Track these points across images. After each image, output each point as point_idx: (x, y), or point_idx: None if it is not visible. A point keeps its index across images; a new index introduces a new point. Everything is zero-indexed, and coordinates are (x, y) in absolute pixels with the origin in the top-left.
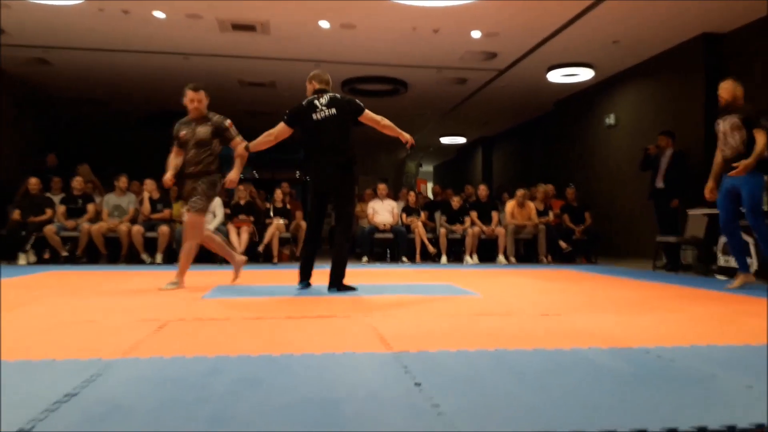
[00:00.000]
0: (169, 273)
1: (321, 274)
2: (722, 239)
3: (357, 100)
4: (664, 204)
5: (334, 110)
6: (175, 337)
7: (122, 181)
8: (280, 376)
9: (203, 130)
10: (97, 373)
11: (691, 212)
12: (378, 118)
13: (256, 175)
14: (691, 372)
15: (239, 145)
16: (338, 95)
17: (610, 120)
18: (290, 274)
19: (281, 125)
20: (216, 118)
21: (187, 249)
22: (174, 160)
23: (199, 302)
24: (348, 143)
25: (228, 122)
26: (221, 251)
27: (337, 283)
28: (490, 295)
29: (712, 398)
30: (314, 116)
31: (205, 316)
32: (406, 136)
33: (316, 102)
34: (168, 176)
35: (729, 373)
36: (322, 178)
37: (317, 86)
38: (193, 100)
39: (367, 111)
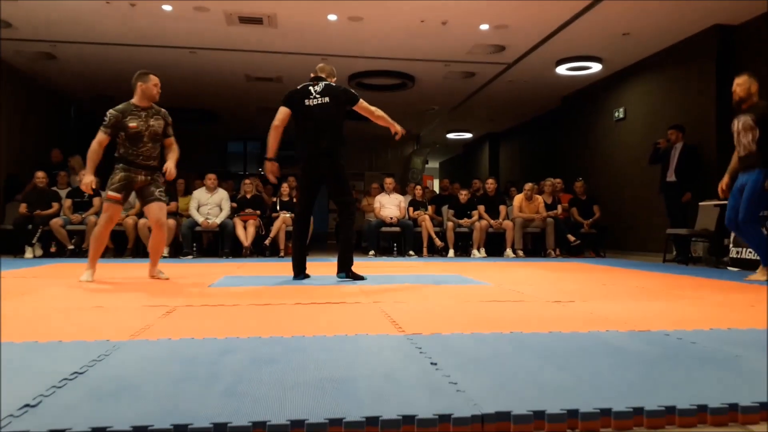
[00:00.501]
0: (175, 266)
1: (323, 266)
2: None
3: (352, 90)
4: (675, 197)
5: (327, 98)
6: (184, 321)
7: None
8: (293, 356)
9: (157, 124)
10: (104, 353)
11: (703, 204)
12: (372, 108)
13: (262, 172)
14: (714, 353)
15: (173, 143)
16: (333, 84)
17: (619, 114)
18: None
19: (280, 109)
20: (163, 111)
21: (164, 238)
22: (98, 154)
23: (206, 290)
24: (340, 132)
25: (170, 118)
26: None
27: (345, 269)
28: (500, 284)
29: (740, 377)
30: (307, 102)
31: (213, 302)
32: (396, 127)
33: (311, 88)
34: (91, 181)
35: (754, 354)
36: (312, 165)
37: (313, 75)
38: (158, 84)
39: (361, 101)
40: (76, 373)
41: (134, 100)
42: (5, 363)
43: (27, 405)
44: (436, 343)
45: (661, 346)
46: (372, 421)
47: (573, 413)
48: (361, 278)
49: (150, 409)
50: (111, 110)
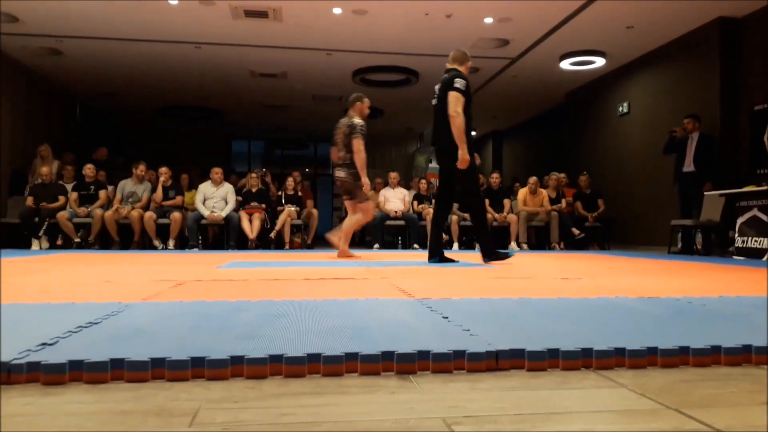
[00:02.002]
0: (181, 255)
1: (330, 256)
2: (739, 221)
3: (455, 79)
4: (692, 187)
5: (440, 93)
6: (194, 291)
7: (140, 169)
8: (305, 312)
9: None
10: (118, 310)
11: (708, 194)
12: (453, 106)
13: (264, 170)
14: (724, 311)
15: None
16: (448, 75)
17: (623, 108)
18: (302, 256)
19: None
20: None
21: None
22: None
23: (215, 271)
24: (449, 126)
25: None
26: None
27: (434, 254)
28: (507, 267)
29: (752, 327)
30: (433, 101)
31: (222, 278)
32: (464, 153)
33: (436, 87)
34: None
35: (764, 312)
36: (438, 160)
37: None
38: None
39: (452, 93)
40: (91, 323)
41: (358, 115)
42: (17, 319)
43: (44, 344)
44: (446, 305)
45: (671, 307)
46: (388, 355)
47: (587, 351)
48: (452, 261)
49: (167, 347)
50: (361, 122)
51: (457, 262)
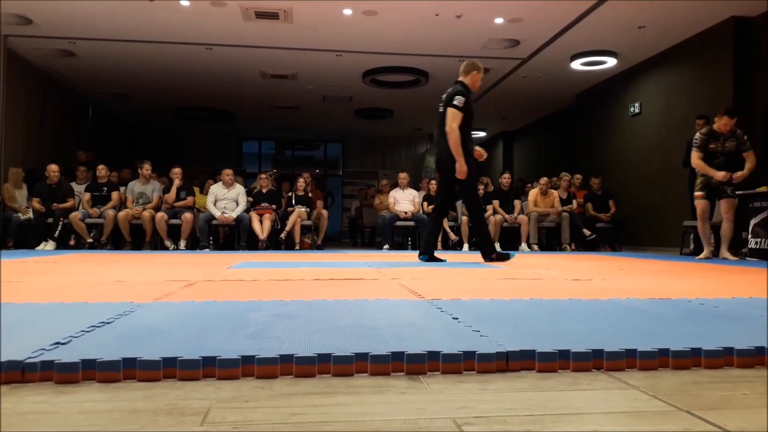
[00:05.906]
0: (193, 255)
1: (340, 256)
2: (752, 222)
3: (455, 96)
4: None
5: (442, 106)
6: (205, 291)
7: (146, 168)
8: (316, 312)
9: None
10: (130, 310)
11: None
12: (449, 122)
13: (274, 171)
14: (737, 313)
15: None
16: (452, 90)
17: (635, 109)
18: (313, 257)
19: None
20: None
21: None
22: None
23: (226, 271)
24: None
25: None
26: None
27: (485, 254)
28: (516, 268)
29: (765, 329)
30: (440, 109)
31: (233, 278)
32: (460, 161)
33: (443, 96)
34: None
35: None
36: (436, 164)
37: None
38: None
39: (449, 109)
40: (103, 322)
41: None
42: (31, 318)
43: (57, 342)
44: (456, 305)
45: (683, 308)
46: (398, 356)
47: (598, 353)
48: (440, 260)
49: (179, 347)
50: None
51: (444, 261)
